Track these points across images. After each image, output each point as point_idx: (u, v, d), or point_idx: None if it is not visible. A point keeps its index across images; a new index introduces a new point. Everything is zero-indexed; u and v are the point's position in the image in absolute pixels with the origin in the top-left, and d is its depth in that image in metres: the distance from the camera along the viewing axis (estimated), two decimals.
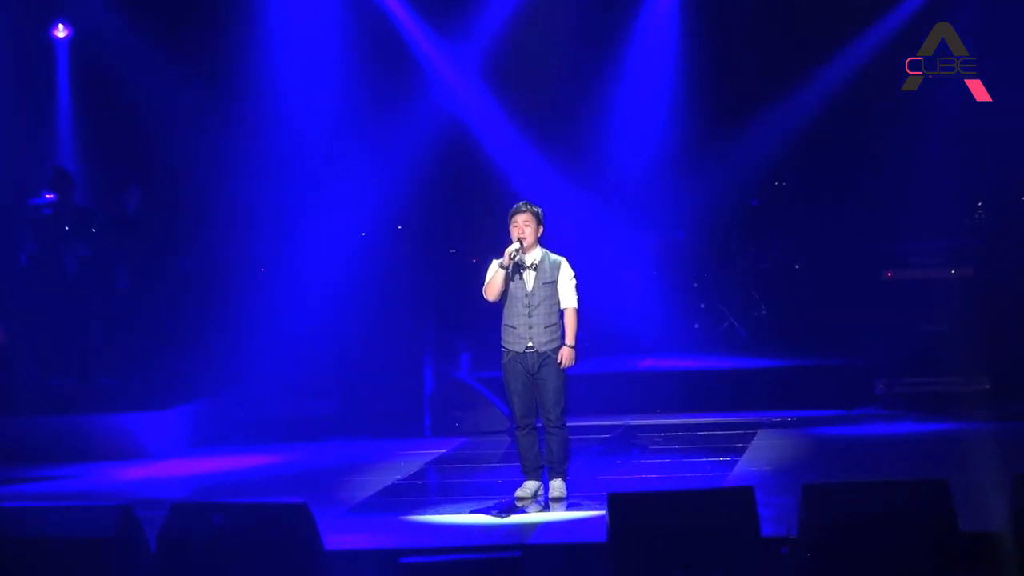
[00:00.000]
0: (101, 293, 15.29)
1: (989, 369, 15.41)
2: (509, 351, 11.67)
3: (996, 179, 17.95)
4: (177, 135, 17.72)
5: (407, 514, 11.67)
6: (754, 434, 14.19)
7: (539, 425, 11.74)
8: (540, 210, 11.63)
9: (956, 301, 15.62)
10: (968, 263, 15.83)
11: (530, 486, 11.71)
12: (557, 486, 11.63)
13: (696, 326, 18.79)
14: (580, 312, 11.68)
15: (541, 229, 11.61)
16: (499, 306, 11.69)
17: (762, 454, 13.22)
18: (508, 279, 11.56)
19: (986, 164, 17.68)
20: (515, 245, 11.50)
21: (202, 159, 17.84)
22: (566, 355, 11.58)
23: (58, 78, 17.47)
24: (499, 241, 11.71)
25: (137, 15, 17.33)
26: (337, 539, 9.90)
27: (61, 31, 17.32)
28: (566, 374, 11.65)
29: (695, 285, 18.98)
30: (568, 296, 11.62)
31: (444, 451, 14.50)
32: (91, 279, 15.10)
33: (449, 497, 12.24)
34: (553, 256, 11.68)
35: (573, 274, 11.67)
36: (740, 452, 13.34)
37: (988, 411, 14.67)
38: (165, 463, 14.32)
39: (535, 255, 11.60)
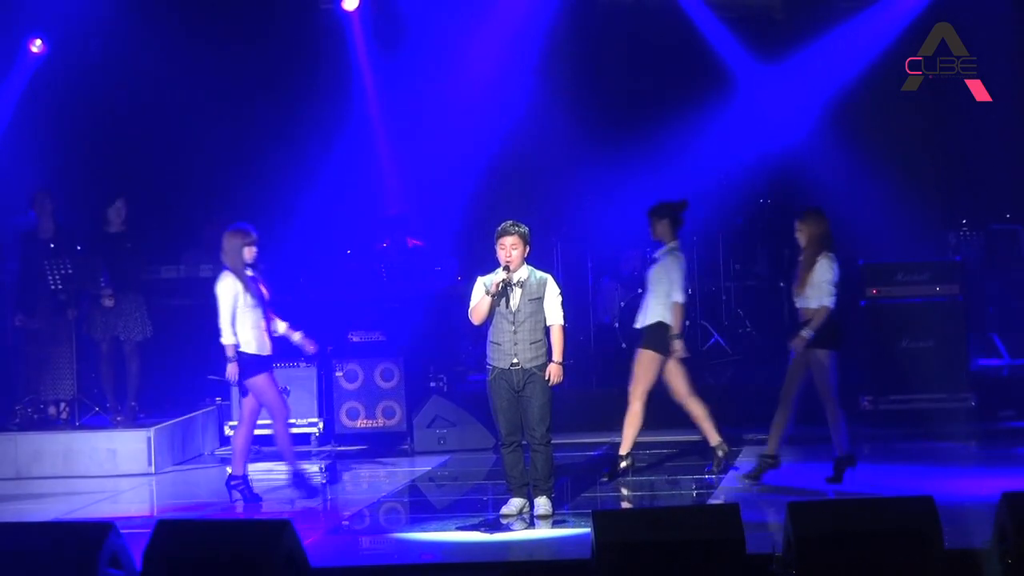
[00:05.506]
0: (85, 310, 15.21)
1: (974, 386, 15.42)
2: (494, 368, 11.68)
3: (980, 197, 18.01)
4: (158, 148, 17.69)
5: (393, 531, 11.67)
6: (739, 451, 14.18)
7: (524, 442, 11.74)
8: (526, 230, 11.65)
9: (941, 318, 15.62)
10: (953, 281, 15.80)
11: (516, 503, 11.71)
12: (543, 503, 11.62)
13: None
14: (566, 328, 11.70)
15: (527, 249, 11.63)
16: (485, 323, 11.70)
17: (747, 471, 13.20)
18: (494, 304, 11.57)
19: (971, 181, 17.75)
20: (502, 276, 11.51)
21: (185, 171, 17.83)
22: (554, 371, 11.59)
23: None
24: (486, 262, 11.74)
25: (120, 28, 17.26)
26: (322, 556, 9.89)
27: (37, 46, 17.09)
28: (551, 391, 11.65)
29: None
30: (555, 313, 11.64)
31: (429, 468, 14.49)
32: (75, 296, 15.03)
33: (434, 514, 12.22)
34: (539, 273, 11.69)
35: (559, 291, 11.70)
36: (725, 469, 13.34)
37: (973, 428, 14.69)
38: (150, 479, 14.29)
39: (521, 273, 11.62)
